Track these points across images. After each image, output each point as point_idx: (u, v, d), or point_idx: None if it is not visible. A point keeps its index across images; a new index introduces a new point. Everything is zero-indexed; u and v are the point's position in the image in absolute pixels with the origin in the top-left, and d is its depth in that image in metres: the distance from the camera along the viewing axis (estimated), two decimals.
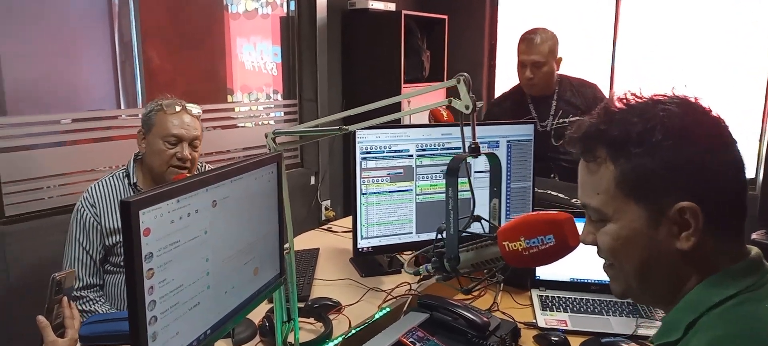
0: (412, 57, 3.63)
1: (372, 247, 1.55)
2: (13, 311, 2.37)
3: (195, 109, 2.00)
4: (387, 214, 1.55)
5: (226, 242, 1.01)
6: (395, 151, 1.53)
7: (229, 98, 4.71)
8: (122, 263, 1.97)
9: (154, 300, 0.82)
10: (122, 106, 4.31)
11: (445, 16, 3.79)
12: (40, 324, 1.28)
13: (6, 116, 2.30)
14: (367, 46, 3.63)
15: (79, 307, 1.90)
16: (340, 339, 1.43)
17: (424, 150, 1.57)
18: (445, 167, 1.61)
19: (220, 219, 0.98)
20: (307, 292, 1.78)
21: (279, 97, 4.16)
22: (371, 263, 1.99)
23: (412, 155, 1.56)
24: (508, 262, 1.01)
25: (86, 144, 2.68)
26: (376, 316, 1.55)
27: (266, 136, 1.39)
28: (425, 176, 1.58)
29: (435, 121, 2.52)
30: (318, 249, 2.16)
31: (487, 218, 1.14)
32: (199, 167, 2.08)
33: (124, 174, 1.98)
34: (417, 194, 1.58)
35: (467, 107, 1.07)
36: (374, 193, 1.53)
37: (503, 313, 1.68)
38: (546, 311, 1.66)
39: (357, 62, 3.71)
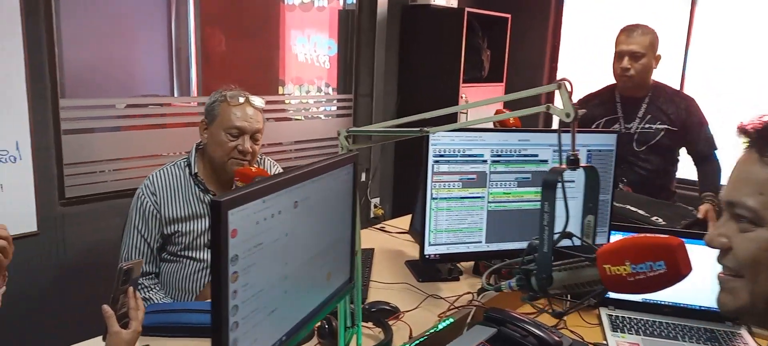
0: (471, 56, 3.54)
1: (439, 254, 1.48)
2: (71, 292, 2.41)
3: (258, 101, 1.97)
4: (457, 221, 1.48)
5: (305, 245, 0.96)
6: (469, 155, 1.46)
7: (280, 90, 4.72)
8: (179, 253, 1.96)
9: (236, 305, 0.78)
10: (175, 94, 4.37)
11: (509, 15, 3.68)
12: (105, 314, 1.27)
13: (66, 99, 2.33)
14: (426, 43, 3.55)
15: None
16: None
17: (499, 156, 1.49)
18: (520, 175, 1.53)
19: (300, 221, 0.93)
20: (364, 294, 1.73)
21: (330, 90, 4.14)
22: (428, 267, 1.92)
23: (486, 161, 1.48)
24: (607, 287, 0.93)
25: (142, 130, 2.70)
26: (440, 326, 1.49)
27: (339, 135, 1.33)
28: (499, 183, 1.50)
29: (500, 125, 2.44)
30: (373, 249, 2.11)
31: (579, 235, 1.05)
32: (259, 161, 2.05)
33: (186, 163, 1.97)
34: (489, 202, 1.50)
35: (568, 115, 0.99)
36: (445, 198, 1.46)
37: (572, 332, 1.59)
38: (617, 332, 1.57)
39: (414, 59, 3.64)
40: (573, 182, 1.56)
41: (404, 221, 2.63)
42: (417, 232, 2.21)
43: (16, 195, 2.15)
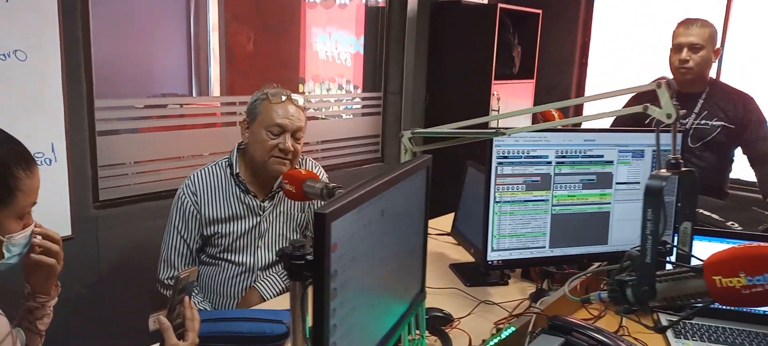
0: (502, 52, 3.46)
1: (502, 260, 1.42)
2: (107, 296, 2.37)
3: (300, 99, 1.92)
4: (520, 225, 1.41)
5: (387, 256, 0.91)
6: (533, 157, 1.39)
7: (300, 87, 4.66)
8: (218, 255, 1.91)
9: (335, 324, 0.72)
10: (194, 93, 4.32)
11: (540, 11, 3.60)
12: (163, 326, 1.21)
13: (100, 99, 2.28)
14: (457, 39, 3.48)
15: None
16: None
17: (563, 157, 1.42)
18: (585, 177, 1.46)
19: (385, 231, 0.88)
20: None
21: (351, 88, 4.07)
22: (475, 271, 1.86)
23: (550, 162, 1.41)
24: (717, 299, 0.86)
25: (168, 131, 2.64)
26: (504, 334, 1.42)
27: (402, 137, 1.28)
28: (563, 185, 1.44)
29: (544, 121, 2.36)
30: None
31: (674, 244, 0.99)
32: (301, 162, 1.99)
33: (227, 163, 1.92)
34: (553, 205, 1.44)
35: (669, 116, 0.92)
36: (508, 202, 1.39)
37: (635, 339, 1.52)
38: (680, 338, 1.49)
39: (444, 56, 3.57)
40: (638, 183, 1.49)
41: (442, 222, 2.57)
42: (461, 234, 2.15)
43: (51, 198, 2.11)
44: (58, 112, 2.08)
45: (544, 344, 1.36)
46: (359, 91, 3.76)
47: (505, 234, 1.40)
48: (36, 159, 1.91)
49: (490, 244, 1.39)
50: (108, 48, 2.97)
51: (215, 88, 4.42)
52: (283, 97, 1.87)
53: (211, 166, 1.92)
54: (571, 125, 2.98)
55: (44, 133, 2.05)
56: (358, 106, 3.60)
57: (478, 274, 1.83)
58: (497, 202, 1.38)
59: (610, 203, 1.49)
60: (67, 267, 2.25)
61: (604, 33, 3.94)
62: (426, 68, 3.63)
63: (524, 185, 1.40)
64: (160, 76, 4.15)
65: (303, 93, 4.27)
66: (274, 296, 1.86)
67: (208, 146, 2.70)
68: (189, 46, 4.28)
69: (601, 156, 1.46)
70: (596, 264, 1.58)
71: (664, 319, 1.55)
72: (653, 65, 3.09)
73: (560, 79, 3.95)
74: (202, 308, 1.86)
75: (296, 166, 1.95)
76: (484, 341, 1.41)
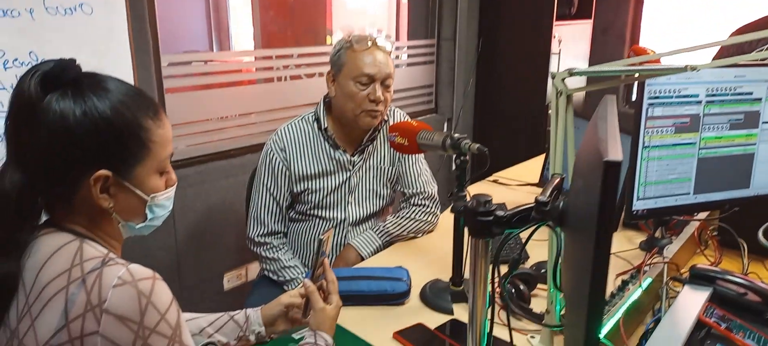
0: None
1: (648, 209, 1.32)
2: (186, 257, 2.31)
3: (387, 44, 1.80)
4: (667, 171, 1.31)
5: None
6: (684, 96, 1.28)
7: (328, 39, 4.49)
8: (308, 212, 1.83)
9: None
10: (214, 49, 4.16)
11: None
12: (309, 289, 1.14)
13: (167, 54, 2.16)
14: None
15: (263, 253, 1.79)
16: (620, 313, 1.22)
17: (713, 96, 1.30)
18: (733, 116, 1.35)
19: None
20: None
21: (384, 38, 3.89)
22: None
23: (700, 102, 1.30)
24: None
25: (229, 87, 2.52)
26: (645, 286, 1.33)
27: (552, 78, 1.16)
28: (711, 126, 1.32)
29: (637, 56, 2.22)
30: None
31: None
32: (389, 113, 1.88)
33: (314, 118, 1.82)
34: (700, 148, 1.33)
35: None
36: (656, 146, 1.28)
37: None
38: None
39: None
40: None
41: (517, 171, 2.48)
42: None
43: None
44: (127, 69, 1.96)
45: (693, 294, 1.28)
46: (393, 39, 3.59)
47: (652, 181, 1.30)
48: None
49: (636, 192, 1.29)
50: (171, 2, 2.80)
51: (235, 42, 4.24)
52: (369, 44, 1.75)
53: (298, 122, 1.82)
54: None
55: None
56: (404, 56, 3.45)
57: None
58: (646, 147, 1.27)
59: (755, 144, 1.38)
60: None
61: None
62: (478, 12, 3.46)
63: (674, 127, 1.29)
64: (182, 33, 3.99)
65: (330, 44, 4.10)
66: (372, 255, 1.79)
67: (244, 106, 2.55)
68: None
69: (750, 93, 1.34)
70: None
71: None
72: (715, 3, 2.92)
73: (615, 18, 3.77)
74: (294, 264, 1.79)
75: (386, 118, 1.84)
76: (612, 294, 1.33)
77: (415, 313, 1.38)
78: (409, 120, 1.70)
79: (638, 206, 1.29)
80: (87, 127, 0.82)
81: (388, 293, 1.41)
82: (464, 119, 3.54)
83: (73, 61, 0.87)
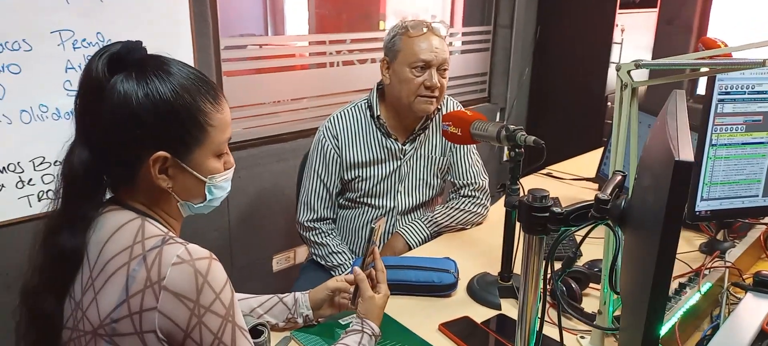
0: None
1: (711, 211, 1.25)
2: (241, 236, 2.37)
3: (442, 29, 1.77)
4: (735, 171, 1.24)
5: None
6: (758, 92, 1.20)
7: (381, 25, 4.46)
8: (358, 199, 1.84)
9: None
10: (269, 33, 4.20)
11: None
12: (358, 277, 1.14)
13: (226, 38, 2.20)
14: None
15: (311, 238, 1.81)
16: (676, 318, 1.17)
17: None
18: None
19: None
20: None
21: (439, 24, 3.81)
22: None
23: None
24: None
25: (281, 72, 2.54)
26: (704, 291, 1.28)
27: (617, 71, 1.11)
28: None
29: (706, 49, 2.11)
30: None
31: None
32: (445, 102, 1.86)
33: (367, 105, 1.81)
34: None
35: None
36: (725, 144, 1.22)
37: None
38: None
39: None
40: None
41: (571, 165, 2.41)
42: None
43: None
44: (188, 51, 2.02)
45: (753, 302, 1.22)
46: (447, 24, 3.52)
47: (717, 181, 1.23)
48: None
49: (700, 192, 1.23)
50: None
51: (290, 26, 4.27)
52: (424, 29, 1.73)
53: (350, 108, 1.82)
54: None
55: None
56: (458, 42, 3.39)
57: None
58: (713, 145, 1.20)
59: None
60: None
61: None
62: None
63: (744, 126, 1.22)
64: (235, 16, 4.05)
65: (383, 30, 4.07)
66: (420, 245, 1.78)
67: (296, 90, 2.57)
68: None
69: None
70: None
71: None
72: None
73: (681, 8, 3.59)
74: (341, 250, 1.81)
75: (440, 106, 1.82)
76: (669, 297, 1.27)
77: (461, 306, 1.37)
78: (463, 109, 1.68)
79: (702, 206, 1.24)
80: (148, 109, 0.85)
81: (435, 285, 1.40)
82: (517, 109, 3.46)
83: (139, 43, 0.89)
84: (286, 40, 2.94)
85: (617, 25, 3.05)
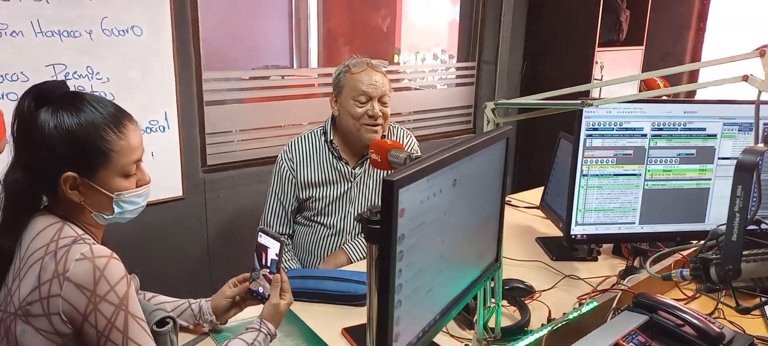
0: (607, 17, 3.26)
1: (587, 235, 1.38)
2: (216, 252, 2.58)
3: (381, 64, 1.98)
4: (608, 200, 1.37)
5: (460, 224, 0.92)
6: (627, 129, 1.33)
7: (396, 58, 4.68)
8: (312, 218, 2.02)
9: (400, 284, 0.76)
10: (294, 66, 4.48)
11: None
12: (274, 282, 1.30)
13: (207, 71, 2.45)
14: (558, 3, 3.33)
15: None
16: (545, 330, 1.30)
17: (660, 130, 1.34)
18: (683, 151, 1.38)
19: (457, 199, 0.89)
20: None
21: (446, 58, 4.01)
22: (561, 245, 1.81)
23: (645, 135, 1.34)
24: None
25: (267, 102, 2.76)
26: (584, 309, 1.39)
27: (485, 108, 1.27)
28: (658, 159, 1.36)
29: (647, 90, 2.23)
30: None
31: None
32: (391, 129, 2.04)
33: (322, 131, 2.02)
34: (646, 180, 1.37)
35: None
36: (596, 175, 1.35)
37: (730, 322, 1.44)
38: None
39: (544, 22, 3.43)
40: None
41: (531, 195, 2.52)
42: (549, 208, 2.10)
43: (165, 162, 2.32)
44: (170, 83, 2.26)
45: (626, 320, 1.32)
46: (454, 60, 3.72)
47: (591, 208, 1.36)
48: (149, 124, 2.08)
49: (575, 218, 1.35)
50: (215, 24, 3.13)
51: (313, 59, 4.55)
52: (365, 66, 1.93)
53: (308, 134, 2.03)
54: (684, 95, 2.76)
55: (159, 104, 2.25)
56: (452, 76, 3.57)
57: (564, 248, 1.79)
58: (584, 175, 1.33)
59: (710, 179, 1.39)
60: (180, 225, 2.47)
61: None
62: (524, 36, 3.51)
63: (615, 159, 1.34)
64: (263, 49, 4.35)
65: (397, 63, 4.28)
66: (361, 259, 1.94)
67: (307, 116, 2.81)
68: (290, 20, 4.44)
69: (703, 129, 1.36)
70: (693, 242, 1.50)
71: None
72: None
73: (673, 46, 3.66)
74: (290, 266, 1.98)
75: (386, 133, 2.00)
76: (564, 314, 1.39)
77: None
78: (387, 139, 1.85)
79: (577, 230, 1.36)
80: (56, 138, 1.06)
81: (350, 294, 1.56)
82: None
83: (62, 82, 1.11)
84: (264, 73, 3.14)
85: (597, 63, 3.15)
